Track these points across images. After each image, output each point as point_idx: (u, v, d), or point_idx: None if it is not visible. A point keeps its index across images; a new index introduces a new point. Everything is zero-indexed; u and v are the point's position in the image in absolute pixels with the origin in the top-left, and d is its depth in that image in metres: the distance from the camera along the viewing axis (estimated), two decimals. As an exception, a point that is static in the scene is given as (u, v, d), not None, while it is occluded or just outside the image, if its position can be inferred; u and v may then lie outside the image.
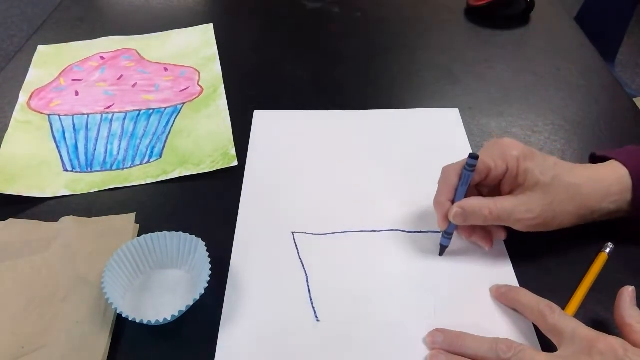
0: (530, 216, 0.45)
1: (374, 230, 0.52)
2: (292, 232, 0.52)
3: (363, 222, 0.53)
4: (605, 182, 0.47)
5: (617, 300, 0.42)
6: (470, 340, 0.42)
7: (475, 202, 0.45)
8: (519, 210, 0.45)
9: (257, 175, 0.58)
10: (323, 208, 0.54)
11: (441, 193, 0.47)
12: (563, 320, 0.41)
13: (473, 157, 0.45)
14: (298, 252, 0.50)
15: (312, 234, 0.52)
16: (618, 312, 0.41)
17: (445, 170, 0.47)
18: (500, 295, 0.46)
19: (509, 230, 0.50)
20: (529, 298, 0.44)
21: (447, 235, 0.48)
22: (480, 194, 0.49)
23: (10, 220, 0.53)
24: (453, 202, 0.47)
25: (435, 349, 0.42)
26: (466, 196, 0.47)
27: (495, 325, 0.44)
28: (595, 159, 0.53)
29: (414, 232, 0.52)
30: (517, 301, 0.45)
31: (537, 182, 0.45)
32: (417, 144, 0.62)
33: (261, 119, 0.66)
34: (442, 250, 0.49)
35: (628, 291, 0.42)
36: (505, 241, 0.50)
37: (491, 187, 0.48)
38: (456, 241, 0.51)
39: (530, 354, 0.39)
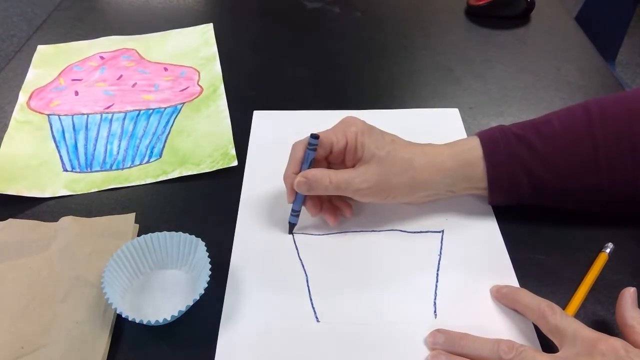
0: (366, 185, 0.48)
1: (374, 230, 0.52)
2: (292, 233, 0.52)
3: (363, 222, 0.53)
4: (439, 156, 0.50)
5: (619, 302, 0.42)
6: (472, 340, 0.42)
7: (317, 172, 0.48)
8: (357, 180, 0.48)
9: (257, 176, 0.58)
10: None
11: (289, 167, 0.50)
12: (564, 321, 0.41)
13: (314, 136, 0.48)
14: (298, 252, 0.50)
15: (312, 234, 0.52)
16: (619, 313, 0.41)
17: (294, 146, 0.50)
18: (501, 296, 0.46)
19: (509, 230, 0.51)
20: (529, 298, 0.44)
21: (295, 212, 0.51)
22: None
23: (10, 220, 0.53)
24: None
25: (436, 350, 0.42)
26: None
27: (496, 325, 0.44)
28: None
29: (414, 232, 0.52)
30: (517, 302, 0.45)
31: (372, 155, 0.48)
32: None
33: (261, 119, 0.66)
34: (291, 228, 0.52)
35: (630, 292, 0.42)
36: (505, 241, 0.50)
37: (338, 162, 0.51)
38: (457, 243, 0.51)
39: (531, 355, 0.39)
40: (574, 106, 0.51)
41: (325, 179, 0.48)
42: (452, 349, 0.42)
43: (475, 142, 0.50)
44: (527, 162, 0.48)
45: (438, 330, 0.43)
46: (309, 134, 0.49)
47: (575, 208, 0.51)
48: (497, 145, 0.49)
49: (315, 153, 0.49)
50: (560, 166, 0.48)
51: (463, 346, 0.41)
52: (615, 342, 0.38)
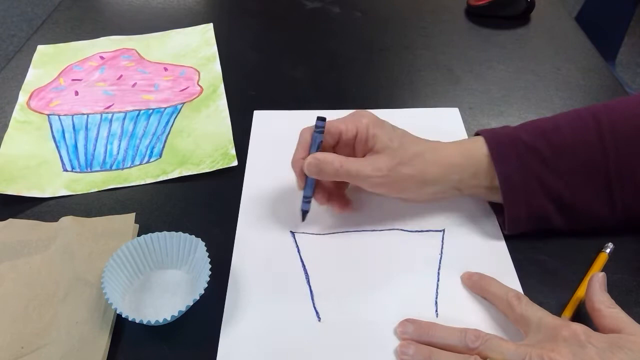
0: (378, 174, 0.48)
1: (374, 230, 0.52)
2: (292, 232, 0.52)
3: (364, 222, 0.53)
4: (446, 150, 0.50)
5: (587, 287, 0.43)
6: (440, 330, 0.42)
7: (328, 155, 0.48)
8: (368, 168, 0.48)
9: (258, 175, 0.58)
10: (323, 207, 0.54)
11: (297, 152, 0.49)
12: (529, 310, 0.41)
13: (320, 119, 0.48)
14: (299, 252, 0.50)
15: (313, 233, 0.52)
16: (588, 297, 0.42)
17: (302, 131, 0.50)
18: (471, 283, 0.47)
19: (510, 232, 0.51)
20: (498, 288, 0.45)
21: (306, 199, 0.50)
22: None
23: (10, 220, 0.53)
24: None
25: (405, 339, 0.42)
26: None
27: (497, 324, 0.44)
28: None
29: (414, 232, 0.52)
30: (486, 290, 0.45)
31: (385, 146, 0.48)
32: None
33: (261, 118, 0.66)
34: (304, 215, 0.51)
35: (598, 277, 0.43)
36: (506, 241, 0.50)
37: (346, 153, 0.50)
38: (458, 242, 0.51)
39: (497, 343, 0.39)
40: (581, 111, 0.50)
41: (336, 162, 0.47)
42: (421, 338, 0.42)
43: (480, 141, 0.50)
44: (540, 175, 0.47)
45: (407, 320, 0.43)
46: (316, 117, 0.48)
47: (593, 225, 0.50)
48: (508, 157, 0.48)
49: (322, 136, 0.48)
50: (572, 176, 0.47)
51: (432, 335, 0.42)
52: (576, 327, 0.38)
